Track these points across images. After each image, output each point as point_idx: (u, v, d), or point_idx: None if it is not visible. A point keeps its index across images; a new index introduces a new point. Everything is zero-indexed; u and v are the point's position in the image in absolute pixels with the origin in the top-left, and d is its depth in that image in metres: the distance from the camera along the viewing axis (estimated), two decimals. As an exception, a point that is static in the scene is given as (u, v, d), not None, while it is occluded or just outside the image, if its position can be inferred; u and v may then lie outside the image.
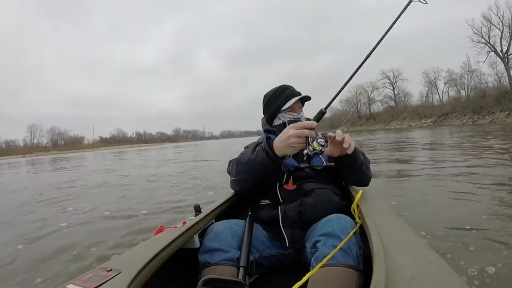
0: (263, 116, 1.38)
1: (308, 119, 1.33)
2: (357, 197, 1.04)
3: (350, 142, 0.99)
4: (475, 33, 34.96)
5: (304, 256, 0.99)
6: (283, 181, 1.15)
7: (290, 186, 1.14)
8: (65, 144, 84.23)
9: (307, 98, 1.30)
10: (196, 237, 0.99)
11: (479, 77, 37.73)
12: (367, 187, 1.24)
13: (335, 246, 0.80)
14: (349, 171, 1.16)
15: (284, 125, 1.25)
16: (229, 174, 1.22)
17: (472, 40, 35.53)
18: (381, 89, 57.27)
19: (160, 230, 0.93)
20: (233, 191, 1.28)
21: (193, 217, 1.07)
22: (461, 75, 40.85)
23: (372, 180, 1.26)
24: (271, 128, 1.30)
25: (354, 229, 0.87)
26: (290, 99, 1.24)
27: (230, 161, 1.24)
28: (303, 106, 1.33)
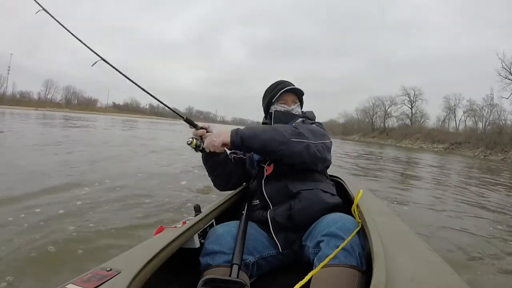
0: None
1: (303, 112, 1.37)
2: (357, 198, 1.03)
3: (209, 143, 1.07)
4: (504, 68, 33.81)
5: (304, 256, 1.00)
6: (265, 174, 1.20)
7: (270, 169, 1.19)
8: (78, 104, 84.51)
9: (299, 91, 1.33)
10: (196, 237, 1.00)
11: (499, 113, 36.69)
12: (368, 187, 1.23)
13: (338, 246, 0.81)
14: (263, 155, 1.22)
15: (270, 116, 1.32)
16: None
17: (499, 74, 34.35)
18: (399, 106, 56.12)
19: (160, 230, 0.94)
20: (232, 191, 1.35)
21: (192, 217, 1.08)
22: (482, 107, 39.81)
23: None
24: (265, 120, 1.37)
25: (356, 230, 0.88)
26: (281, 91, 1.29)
27: None
28: (301, 103, 1.37)
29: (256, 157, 1.31)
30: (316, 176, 1.17)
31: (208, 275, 0.88)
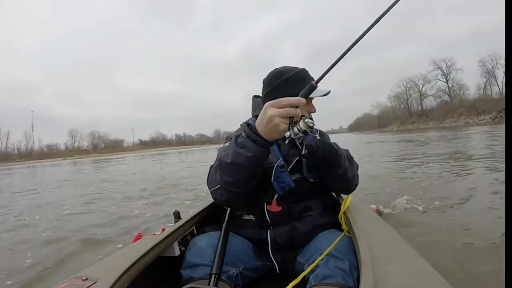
0: (260, 96, 1.15)
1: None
2: (345, 204, 1.00)
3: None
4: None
5: (295, 270, 0.97)
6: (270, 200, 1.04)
7: (275, 207, 1.03)
8: (105, 147, 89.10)
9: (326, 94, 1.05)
10: (176, 245, 0.97)
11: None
12: (356, 193, 1.15)
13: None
14: (332, 179, 1.04)
15: None
16: (209, 186, 0.99)
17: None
18: (433, 82, 52.87)
19: (138, 237, 0.93)
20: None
21: (172, 224, 1.06)
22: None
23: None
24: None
25: (340, 236, 0.90)
26: (316, 88, 0.96)
27: (211, 167, 1.02)
28: None
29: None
30: (323, 194, 1.12)
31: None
